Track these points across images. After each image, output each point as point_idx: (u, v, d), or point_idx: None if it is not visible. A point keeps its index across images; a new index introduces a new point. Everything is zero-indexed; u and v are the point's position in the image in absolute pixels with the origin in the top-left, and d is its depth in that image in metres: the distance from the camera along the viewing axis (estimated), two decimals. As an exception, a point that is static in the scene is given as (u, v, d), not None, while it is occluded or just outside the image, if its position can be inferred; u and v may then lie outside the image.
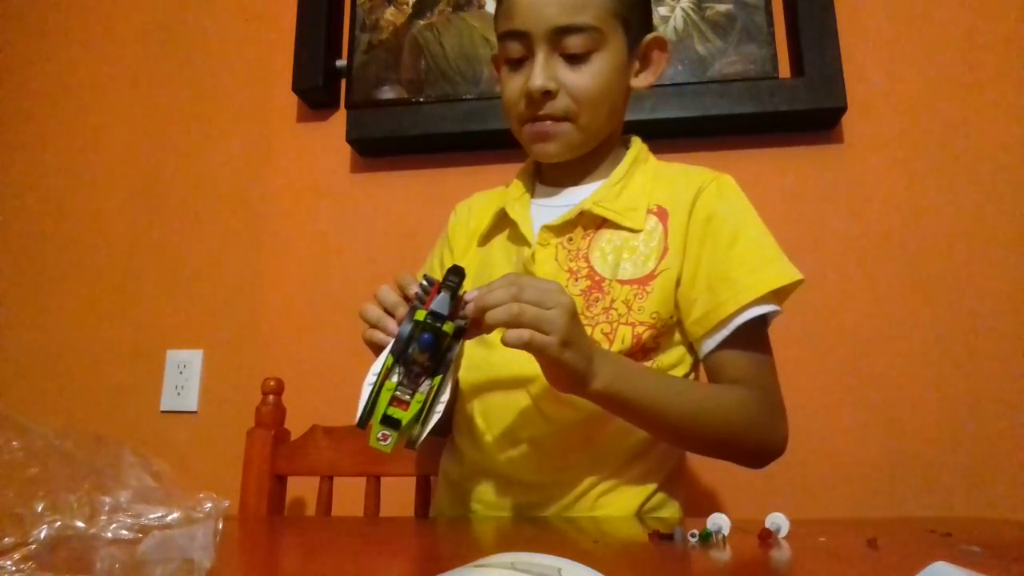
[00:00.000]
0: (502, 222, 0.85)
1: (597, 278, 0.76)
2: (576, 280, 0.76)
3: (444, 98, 1.38)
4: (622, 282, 0.75)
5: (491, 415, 0.77)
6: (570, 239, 0.79)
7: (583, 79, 0.75)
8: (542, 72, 0.74)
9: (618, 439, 0.74)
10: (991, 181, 1.25)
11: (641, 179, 0.81)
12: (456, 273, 0.59)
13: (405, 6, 1.43)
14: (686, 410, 0.68)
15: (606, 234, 0.78)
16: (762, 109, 1.26)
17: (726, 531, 0.49)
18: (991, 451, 1.16)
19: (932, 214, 1.25)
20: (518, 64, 0.77)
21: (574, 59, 0.75)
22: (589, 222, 0.79)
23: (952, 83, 1.29)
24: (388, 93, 1.40)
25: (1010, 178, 1.24)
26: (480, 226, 0.87)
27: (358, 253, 1.39)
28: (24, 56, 1.62)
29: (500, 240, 0.85)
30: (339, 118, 1.45)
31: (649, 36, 0.81)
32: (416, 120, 1.36)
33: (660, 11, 1.34)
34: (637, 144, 0.85)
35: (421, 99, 1.39)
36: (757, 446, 0.73)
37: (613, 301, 0.75)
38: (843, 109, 1.26)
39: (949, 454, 1.17)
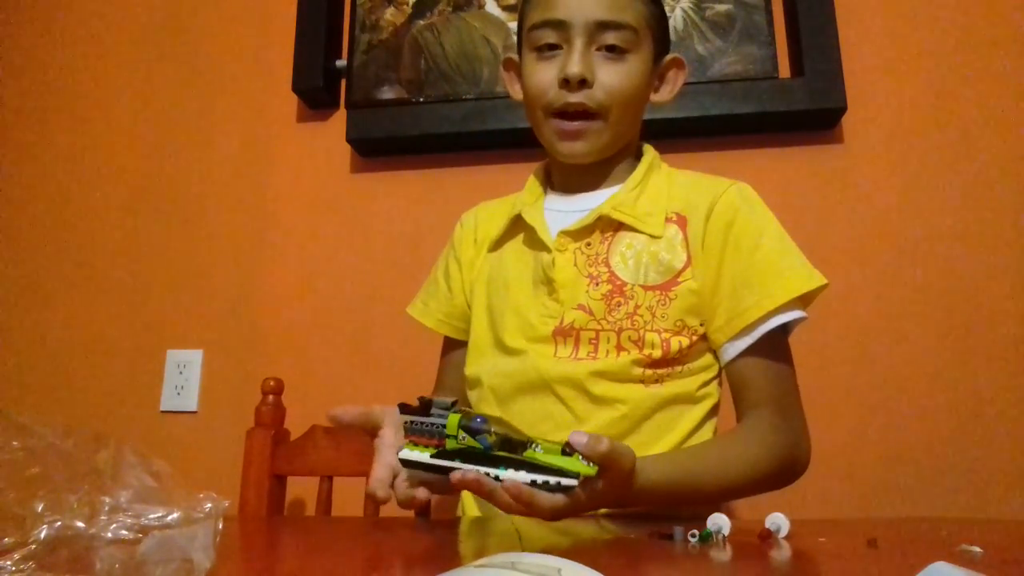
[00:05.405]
0: (516, 227, 0.84)
1: (618, 283, 0.75)
2: (596, 285, 0.76)
3: (444, 98, 1.37)
4: (646, 288, 0.75)
5: (521, 424, 0.74)
6: (588, 244, 0.78)
7: (618, 75, 0.75)
8: (581, 60, 0.74)
9: (657, 432, 0.73)
10: (991, 181, 1.25)
11: (657, 185, 0.81)
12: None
13: (405, 6, 1.43)
14: (723, 483, 0.67)
15: (625, 238, 0.77)
16: (762, 109, 1.26)
17: (726, 531, 0.49)
18: (991, 451, 1.16)
19: (932, 214, 1.25)
20: (549, 55, 0.76)
21: (610, 55, 0.75)
22: (607, 226, 0.78)
23: (952, 83, 1.29)
24: (388, 93, 1.40)
25: (1010, 178, 1.24)
26: (490, 233, 0.87)
27: (358, 253, 1.39)
28: (24, 56, 1.62)
29: (513, 245, 0.84)
30: (339, 118, 1.45)
31: (670, 55, 0.82)
32: (416, 120, 1.36)
33: (660, 11, 1.34)
34: (651, 152, 0.85)
35: (421, 99, 1.39)
36: (789, 475, 0.72)
37: (637, 307, 0.74)
38: (843, 109, 1.26)
39: (949, 454, 1.17)
